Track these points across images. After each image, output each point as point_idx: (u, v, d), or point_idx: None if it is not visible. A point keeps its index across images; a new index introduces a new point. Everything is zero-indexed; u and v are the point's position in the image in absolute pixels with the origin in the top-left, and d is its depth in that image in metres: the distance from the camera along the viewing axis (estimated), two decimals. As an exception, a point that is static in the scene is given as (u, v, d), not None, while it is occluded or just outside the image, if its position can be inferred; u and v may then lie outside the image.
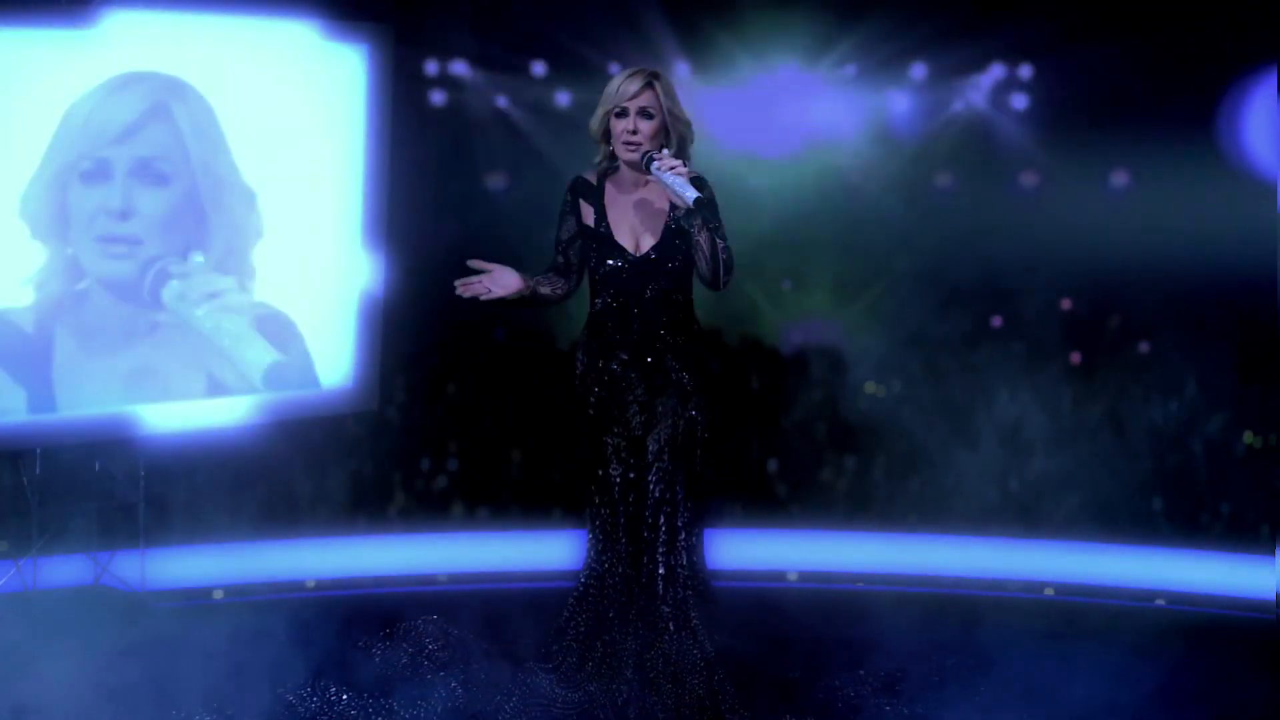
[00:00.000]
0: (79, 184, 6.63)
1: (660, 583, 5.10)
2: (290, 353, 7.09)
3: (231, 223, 6.96)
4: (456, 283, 5.22)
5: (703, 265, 5.13)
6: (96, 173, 6.65)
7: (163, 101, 6.75)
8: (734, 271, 5.15)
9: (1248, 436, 9.66)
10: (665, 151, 5.14)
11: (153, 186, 6.77)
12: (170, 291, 6.81)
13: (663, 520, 5.10)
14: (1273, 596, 7.49)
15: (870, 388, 10.18)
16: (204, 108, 6.86)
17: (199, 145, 6.86)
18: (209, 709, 5.56)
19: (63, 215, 6.63)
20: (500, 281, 5.21)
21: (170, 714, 5.54)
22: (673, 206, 5.18)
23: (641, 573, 5.13)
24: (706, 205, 5.07)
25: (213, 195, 6.92)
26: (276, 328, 7.09)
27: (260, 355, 6.99)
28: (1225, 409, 9.84)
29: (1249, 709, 5.70)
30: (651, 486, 5.12)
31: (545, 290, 5.31)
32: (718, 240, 5.12)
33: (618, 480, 5.14)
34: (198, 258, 6.86)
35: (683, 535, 5.11)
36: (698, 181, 5.19)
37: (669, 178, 5.06)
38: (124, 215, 6.71)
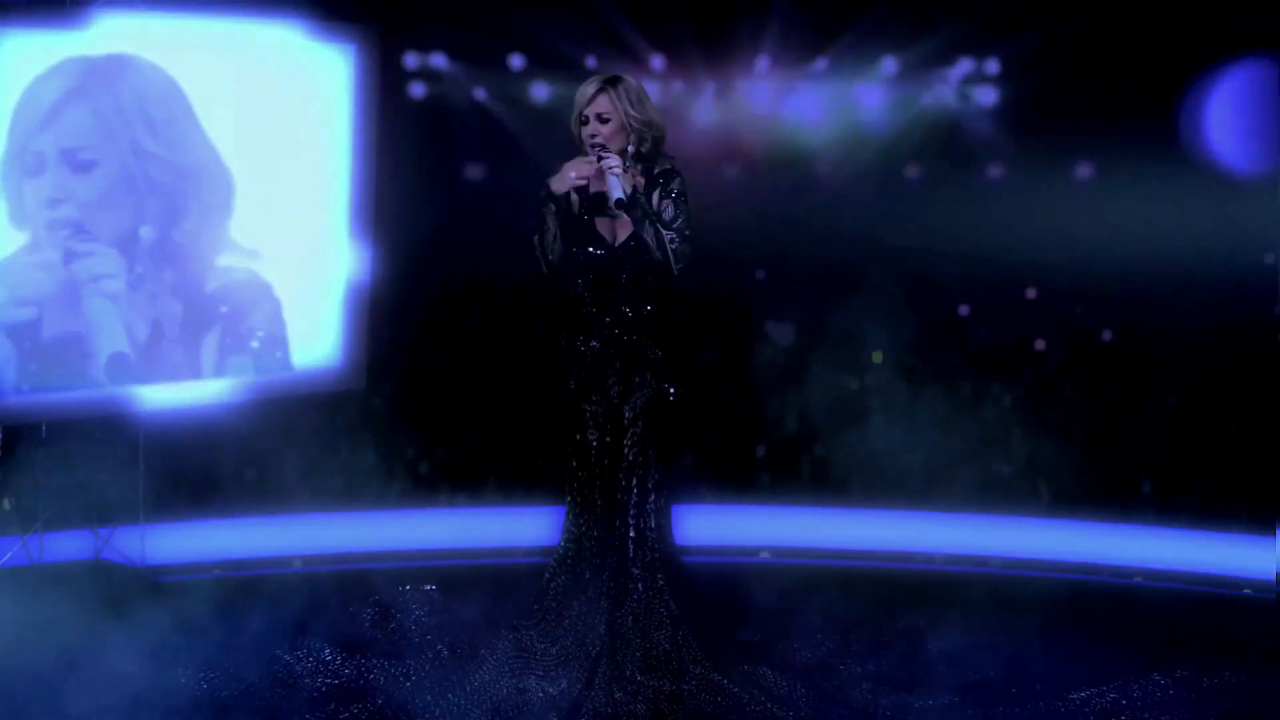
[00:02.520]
0: (24, 177, 7.17)
1: (631, 546, 5.82)
2: (140, 349, 7.51)
3: (172, 203, 7.51)
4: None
5: (653, 254, 5.83)
6: (35, 165, 7.17)
7: (80, 86, 7.24)
8: (686, 259, 5.79)
9: (1231, 428, 10.28)
10: (612, 153, 5.82)
11: (79, 172, 7.28)
12: (73, 266, 7.32)
13: (634, 483, 5.82)
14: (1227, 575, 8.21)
15: (846, 379, 10.79)
16: (136, 89, 7.37)
17: (125, 126, 7.37)
18: (212, 672, 6.20)
19: (19, 205, 7.18)
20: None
21: (175, 676, 6.16)
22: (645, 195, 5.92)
23: (614, 535, 5.86)
24: (631, 205, 5.73)
25: (148, 176, 7.45)
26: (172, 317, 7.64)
27: (109, 342, 7.42)
28: (1190, 394, 10.48)
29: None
30: (626, 450, 5.83)
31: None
32: (663, 232, 5.80)
33: (594, 445, 5.86)
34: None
35: (652, 498, 5.83)
36: (668, 173, 5.89)
37: (609, 176, 5.77)
38: (54, 203, 7.22)
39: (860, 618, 7.08)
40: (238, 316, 7.68)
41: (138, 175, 7.44)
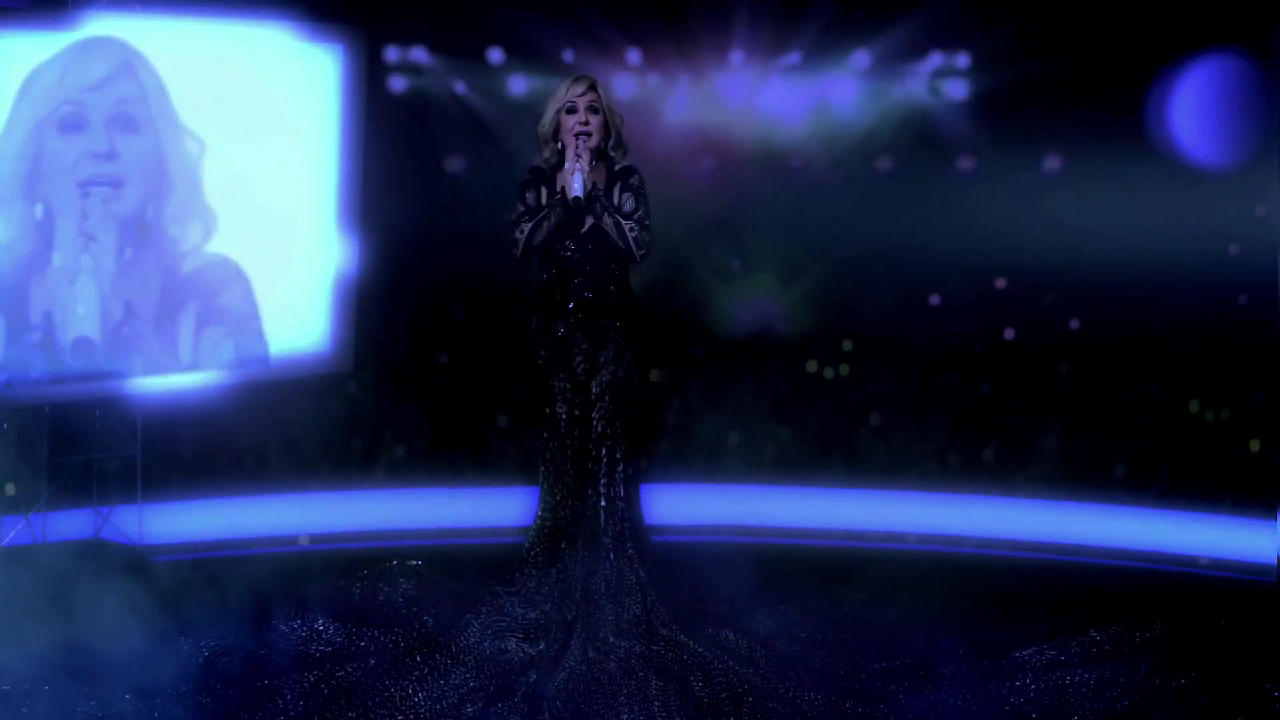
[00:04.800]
0: (56, 134, 7.79)
1: (602, 515, 6.59)
2: (112, 330, 8.11)
3: (188, 177, 8.21)
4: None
5: (617, 243, 6.60)
6: (75, 122, 7.81)
7: (128, 60, 7.98)
8: (648, 246, 6.59)
9: (1194, 405, 10.90)
10: (582, 158, 6.59)
11: (129, 132, 8.00)
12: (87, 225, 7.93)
13: (604, 452, 6.58)
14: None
15: (812, 365, 11.40)
16: (155, 74, 8.08)
17: (159, 102, 8.08)
18: (210, 641, 6.91)
19: (36, 170, 7.77)
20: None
21: (175, 645, 6.84)
22: (607, 190, 6.68)
23: (586, 505, 6.62)
24: (589, 202, 6.54)
25: (171, 149, 8.15)
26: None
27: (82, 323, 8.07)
28: (1155, 381, 11.08)
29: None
30: (595, 422, 6.60)
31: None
32: (623, 223, 6.57)
33: (564, 418, 6.62)
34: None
35: (621, 467, 6.59)
36: (628, 169, 6.68)
37: (576, 175, 6.54)
38: (109, 157, 7.92)
39: (825, 592, 7.81)
40: (211, 298, 8.31)
41: (165, 149, 8.13)
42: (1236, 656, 6.67)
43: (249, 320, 8.45)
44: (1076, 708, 6.30)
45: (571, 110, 6.65)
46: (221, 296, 8.38)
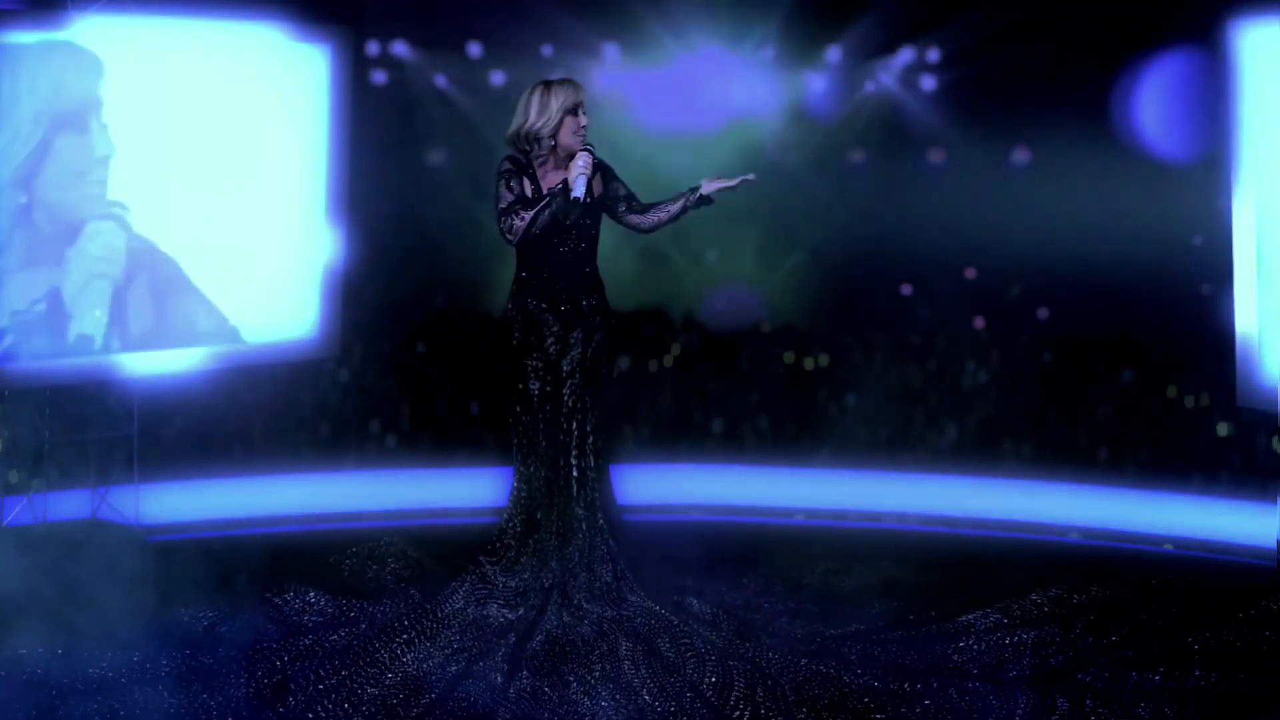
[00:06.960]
0: (68, 133, 8.42)
1: (574, 485, 7.34)
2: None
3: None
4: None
5: (654, 229, 7.41)
6: (80, 123, 8.47)
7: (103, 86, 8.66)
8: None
9: (1171, 391, 11.56)
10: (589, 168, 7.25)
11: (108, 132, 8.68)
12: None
13: (575, 425, 7.33)
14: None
15: (786, 353, 12.05)
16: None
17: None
18: (208, 612, 7.61)
19: (37, 164, 8.37)
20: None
21: (179, 612, 7.58)
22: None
23: (559, 476, 7.37)
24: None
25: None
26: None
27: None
28: (1121, 368, 11.77)
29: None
30: (565, 397, 7.34)
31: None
32: (661, 213, 7.38)
33: (536, 394, 7.35)
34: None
35: (590, 439, 7.34)
36: (600, 163, 7.35)
37: (581, 175, 7.18)
38: (104, 162, 8.57)
39: (790, 566, 8.51)
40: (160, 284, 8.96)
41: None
42: (1164, 615, 7.46)
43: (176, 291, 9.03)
44: (1014, 665, 7.10)
45: (574, 113, 7.29)
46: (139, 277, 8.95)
